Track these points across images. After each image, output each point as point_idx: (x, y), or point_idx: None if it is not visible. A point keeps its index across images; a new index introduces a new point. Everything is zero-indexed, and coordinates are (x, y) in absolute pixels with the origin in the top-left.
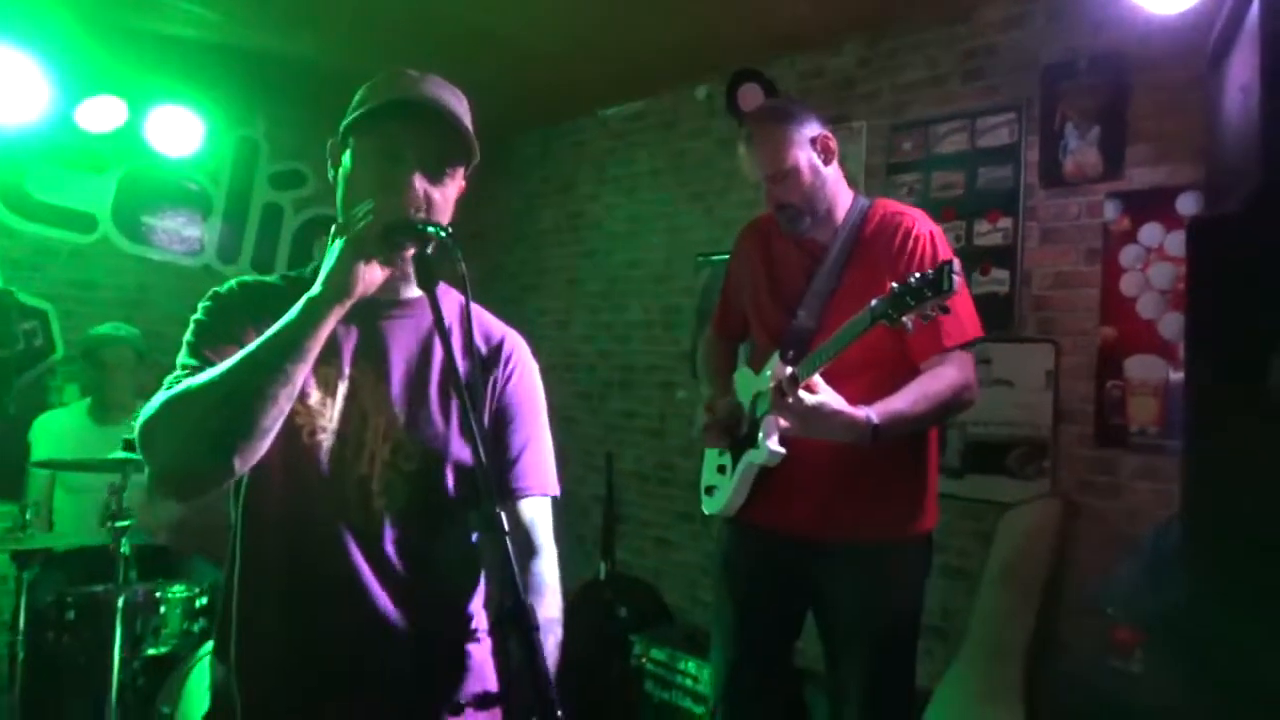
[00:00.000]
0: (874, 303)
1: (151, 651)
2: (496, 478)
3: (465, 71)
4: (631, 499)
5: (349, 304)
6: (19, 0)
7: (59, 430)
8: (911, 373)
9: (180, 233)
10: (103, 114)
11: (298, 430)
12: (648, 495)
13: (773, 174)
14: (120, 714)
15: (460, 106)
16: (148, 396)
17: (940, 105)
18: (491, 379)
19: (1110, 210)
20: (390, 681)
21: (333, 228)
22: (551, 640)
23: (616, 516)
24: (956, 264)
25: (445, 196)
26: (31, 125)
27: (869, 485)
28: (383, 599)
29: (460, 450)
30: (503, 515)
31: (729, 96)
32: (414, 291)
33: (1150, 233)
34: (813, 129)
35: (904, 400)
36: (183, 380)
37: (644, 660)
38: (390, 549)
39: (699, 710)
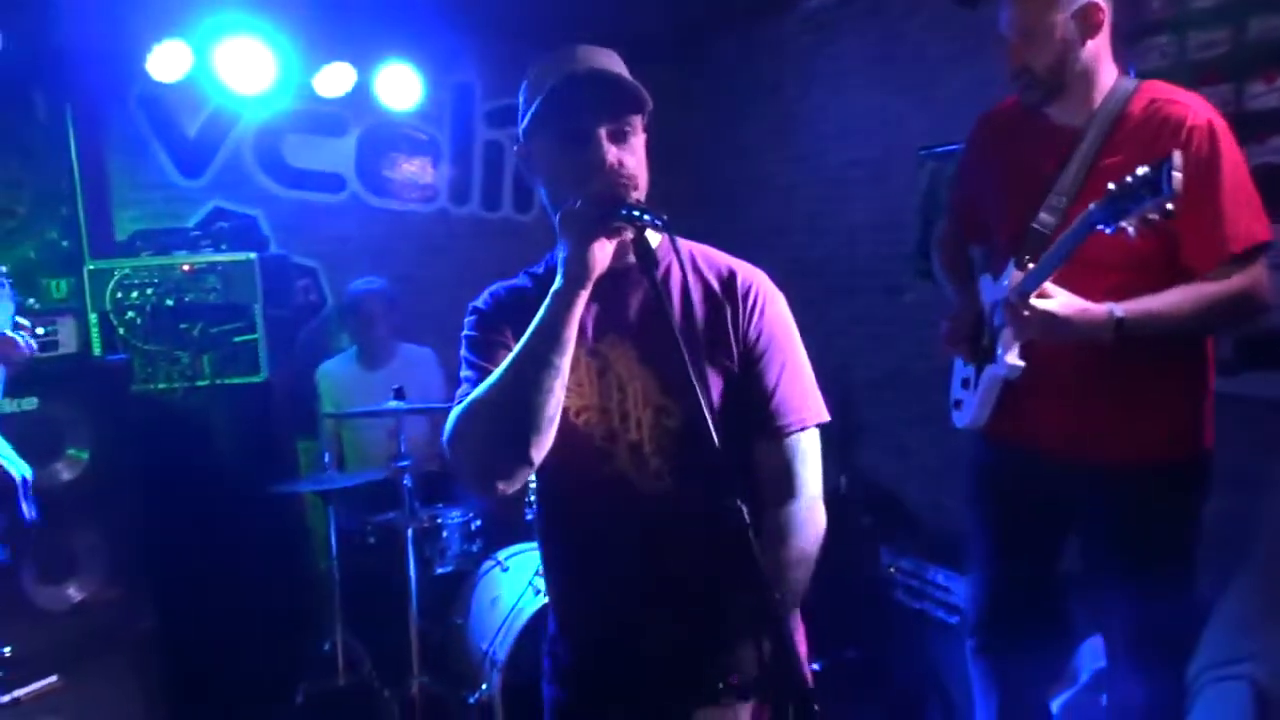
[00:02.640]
0: (1091, 206)
1: (440, 571)
2: (757, 416)
3: None
4: (865, 406)
5: (590, 286)
6: None
7: (336, 377)
8: (1181, 278)
9: (416, 182)
10: (336, 80)
11: (564, 412)
12: (880, 402)
13: (1016, 30)
14: (420, 626)
15: (615, 62)
16: (404, 337)
17: None
18: (733, 318)
19: None
20: (677, 635)
21: (556, 222)
22: (800, 573)
23: (854, 425)
24: (1177, 159)
25: (637, 154)
26: (278, 99)
27: (1130, 396)
28: (670, 554)
29: (718, 398)
30: (745, 510)
31: None
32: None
33: None
34: None
35: (1160, 300)
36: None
37: (893, 570)
38: (673, 505)
39: (952, 620)
